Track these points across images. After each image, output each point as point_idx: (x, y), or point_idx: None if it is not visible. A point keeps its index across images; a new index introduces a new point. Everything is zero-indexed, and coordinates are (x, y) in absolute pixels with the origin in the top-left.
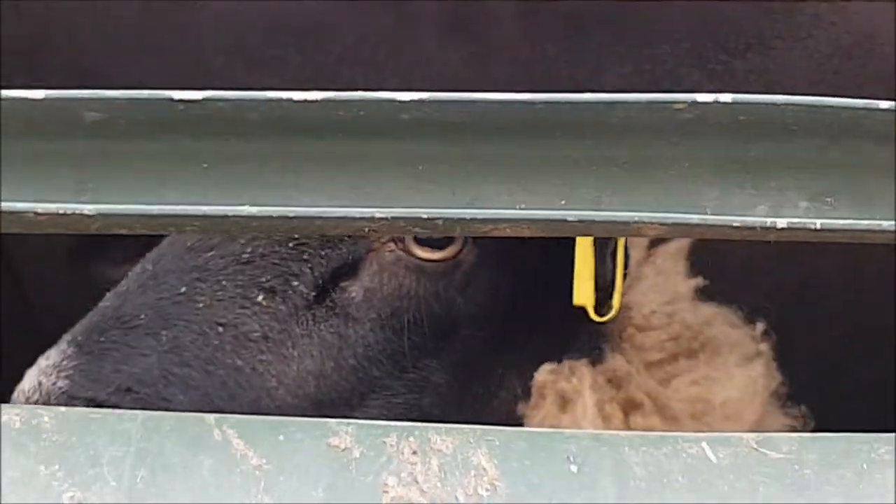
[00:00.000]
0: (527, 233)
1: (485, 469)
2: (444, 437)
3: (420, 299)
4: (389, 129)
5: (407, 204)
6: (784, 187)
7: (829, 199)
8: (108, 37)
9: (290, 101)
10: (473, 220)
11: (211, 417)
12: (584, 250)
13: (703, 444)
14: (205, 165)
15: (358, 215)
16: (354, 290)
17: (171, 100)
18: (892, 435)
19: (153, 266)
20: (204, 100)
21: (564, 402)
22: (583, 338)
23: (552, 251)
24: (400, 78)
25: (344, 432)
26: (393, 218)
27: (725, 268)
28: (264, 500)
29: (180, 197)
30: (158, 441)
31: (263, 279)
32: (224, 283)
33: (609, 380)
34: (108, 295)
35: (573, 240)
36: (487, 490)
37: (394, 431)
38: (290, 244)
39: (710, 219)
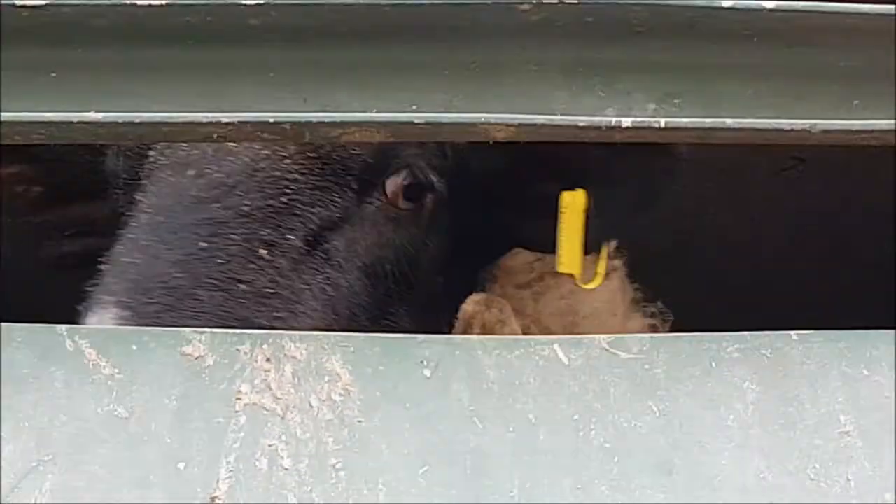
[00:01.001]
0: (377, 137)
1: (338, 375)
2: (297, 344)
3: (397, 247)
4: (238, 35)
5: (255, 110)
6: (632, 89)
7: (676, 101)
8: None
9: (134, 6)
10: (321, 123)
11: (63, 328)
12: (573, 219)
13: (556, 347)
14: (53, 74)
15: (205, 120)
16: (341, 241)
17: (14, 6)
18: (741, 334)
19: (165, 218)
20: (47, 5)
21: (488, 331)
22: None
23: (499, 194)
24: None
25: (197, 341)
26: (240, 122)
27: None
28: (117, 410)
29: (26, 105)
30: (10, 352)
31: (263, 232)
32: (233, 237)
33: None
34: (119, 248)
35: (518, 182)
36: (341, 395)
37: (247, 339)
38: (283, 199)
39: (557, 119)
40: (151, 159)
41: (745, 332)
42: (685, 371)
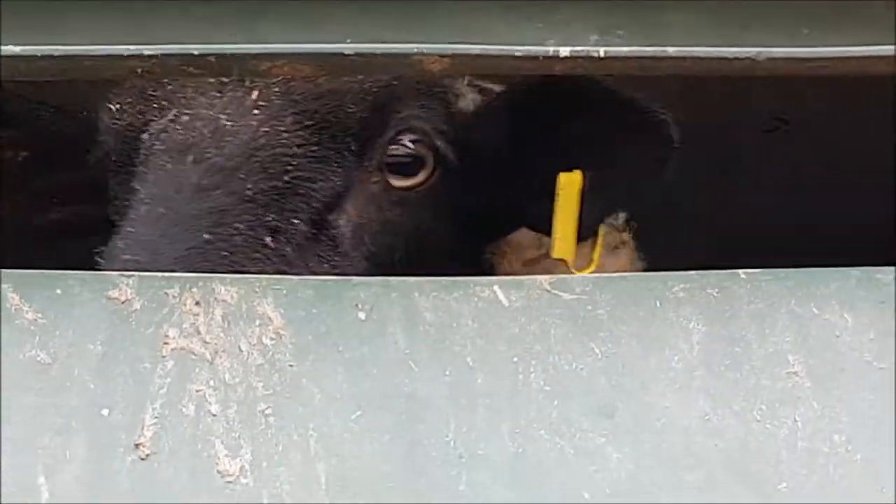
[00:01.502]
0: (307, 70)
1: (270, 318)
2: (228, 287)
3: (402, 231)
4: None
5: (181, 42)
6: (573, 20)
7: (619, 32)
8: None
9: None
10: (247, 55)
11: None
12: (568, 203)
13: (496, 288)
14: None
15: (126, 53)
16: (344, 223)
17: None
18: (688, 273)
19: (166, 209)
20: None
21: None
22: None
23: (512, 173)
24: None
25: (125, 285)
26: (163, 55)
27: None
28: (39, 355)
29: None
30: None
31: (268, 218)
32: (238, 226)
33: None
34: (119, 244)
35: (530, 165)
36: (272, 339)
37: (177, 283)
38: (286, 178)
39: (492, 49)
40: (147, 143)
41: (692, 272)
42: (629, 311)
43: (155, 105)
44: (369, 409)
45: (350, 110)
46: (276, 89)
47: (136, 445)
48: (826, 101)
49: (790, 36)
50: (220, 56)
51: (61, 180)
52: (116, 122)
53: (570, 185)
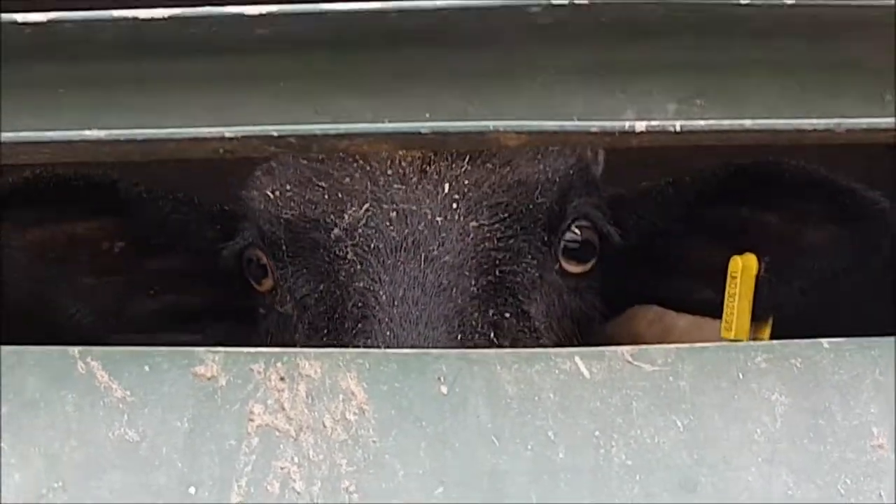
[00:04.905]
0: (385, 147)
1: (353, 393)
2: (312, 362)
3: (576, 310)
4: (244, 46)
5: (262, 123)
6: (652, 90)
7: (698, 101)
8: None
9: (137, 19)
10: (326, 135)
11: (75, 350)
12: (745, 285)
13: (577, 360)
14: (61, 90)
15: (208, 135)
16: (535, 313)
17: (16, 23)
18: (770, 343)
19: (420, 312)
20: (49, 22)
21: None
22: None
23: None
24: None
25: (210, 361)
26: (244, 137)
27: None
28: (128, 433)
29: (28, 124)
30: (21, 376)
31: (490, 315)
32: (473, 325)
33: None
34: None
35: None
36: (355, 414)
37: (261, 358)
38: (497, 272)
39: (568, 125)
40: (346, 237)
41: (774, 342)
42: (711, 383)
43: (328, 196)
44: (452, 484)
45: (539, 201)
46: (466, 181)
47: None
48: None
49: (872, 104)
50: (300, 136)
51: (152, 269)
52: (280, 209)
53: (747, 268)
